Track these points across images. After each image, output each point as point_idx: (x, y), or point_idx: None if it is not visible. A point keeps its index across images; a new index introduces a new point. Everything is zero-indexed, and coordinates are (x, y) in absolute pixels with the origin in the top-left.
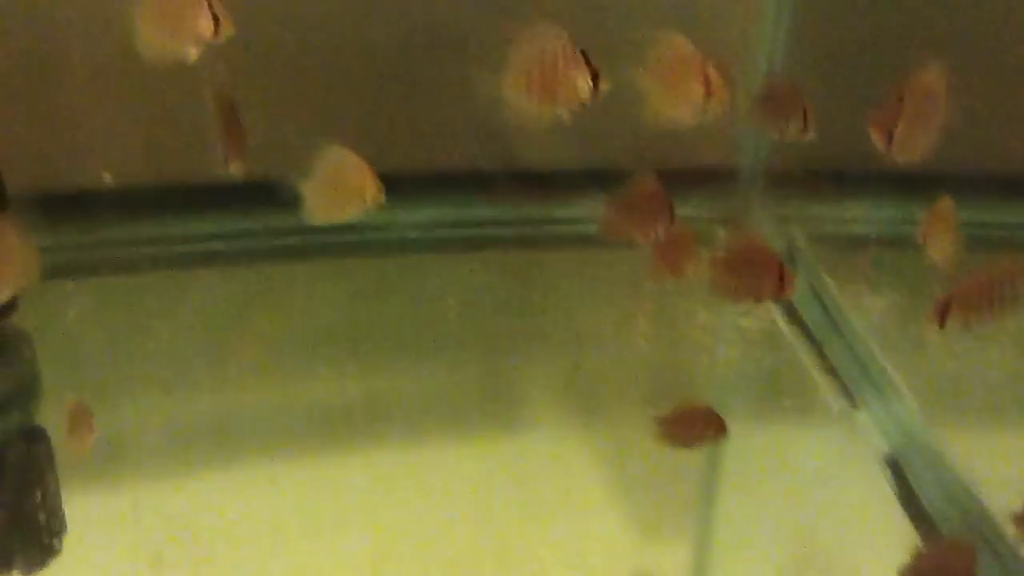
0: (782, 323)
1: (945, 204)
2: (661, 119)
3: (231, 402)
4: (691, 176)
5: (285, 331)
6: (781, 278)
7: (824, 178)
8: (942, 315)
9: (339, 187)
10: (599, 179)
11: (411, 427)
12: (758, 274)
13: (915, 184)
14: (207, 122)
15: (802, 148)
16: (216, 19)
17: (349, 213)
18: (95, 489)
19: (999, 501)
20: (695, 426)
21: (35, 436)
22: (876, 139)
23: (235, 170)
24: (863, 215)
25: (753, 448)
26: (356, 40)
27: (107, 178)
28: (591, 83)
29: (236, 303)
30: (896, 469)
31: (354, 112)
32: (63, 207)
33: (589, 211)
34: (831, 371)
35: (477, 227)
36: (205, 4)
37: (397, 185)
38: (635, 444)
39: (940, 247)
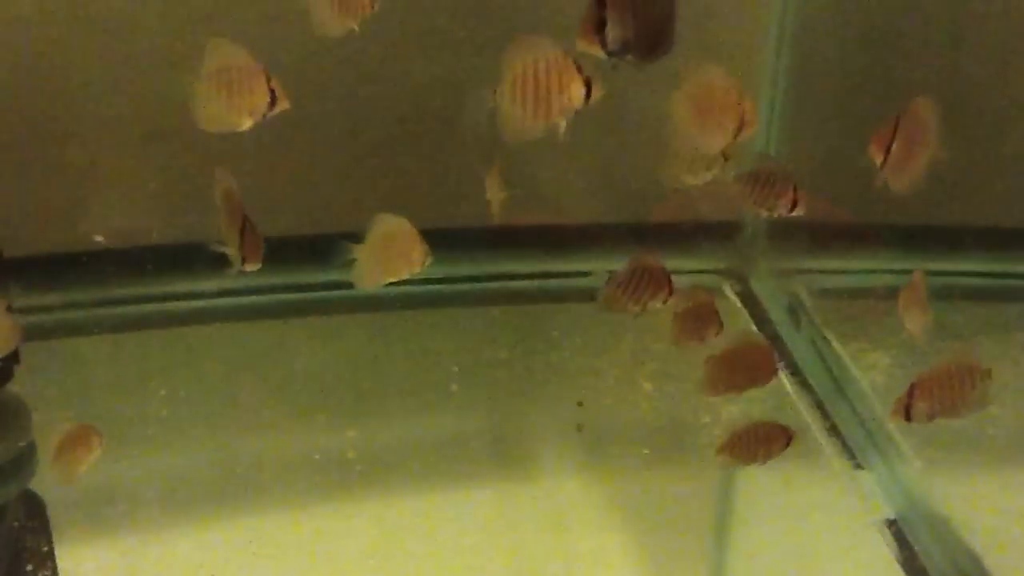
0: (786, 380)
1: (918, 280)
2: (690, 146)
3: (238, 454)
4: (698, 231)
5: (293, 384)
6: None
7: (827, 232)
8: (907, 409)
9: (389, 252)
10: (608, 234)
11: (416, 477)
12: (752, 368)
13: (917, 237)
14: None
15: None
16: (273, 93)
17: (397, 276)
18: (92, 541)
19: (1001, 565)
20: (761, 442)
21: (30, 506)
22: (874, 161)
23: (251, 267)
24: (866, 268)
25: (757, 508)
26: (365, 104)
27: (99, 239)
28: (584, 90)
29: (244, 358)
30: (899, 530)
31: (362, 172)
32: (69, 266)
33: (597, 265)
34: (834, 430)
35: (483, 281)
36: (263, 78)
37: None
38: (640, 495)
39: (915, 319)
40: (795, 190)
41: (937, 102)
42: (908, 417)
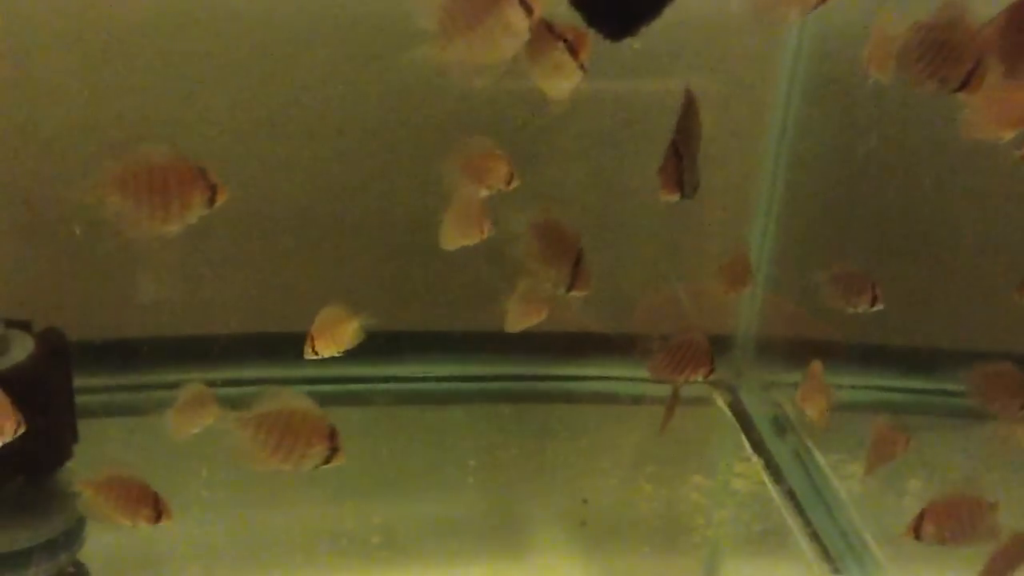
0: (770, 487)
1: (816, 369)
2: None
3: (271, 536)
4: None
5: (323, 472)
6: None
7: (809, 349)
8: (917, 529)
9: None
10: (612, 342)
11: (435, 562)
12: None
13: (894, 356)
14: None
15: (790, 321)
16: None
17: (473, 241)
18: None
19: None
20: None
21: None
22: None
23: (578, 294)
24: (845, 384)
25: None
26: (389, 212)
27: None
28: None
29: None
30: None
31: (387, 277)
32: (123, 350)
33: (601, 371)
34: (815, 536)
35: (495, 382)
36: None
37: (425, 342)
38: None
39: (815, 407)
40: (873, 288)
41: (911, 233)
42: (918, 536)
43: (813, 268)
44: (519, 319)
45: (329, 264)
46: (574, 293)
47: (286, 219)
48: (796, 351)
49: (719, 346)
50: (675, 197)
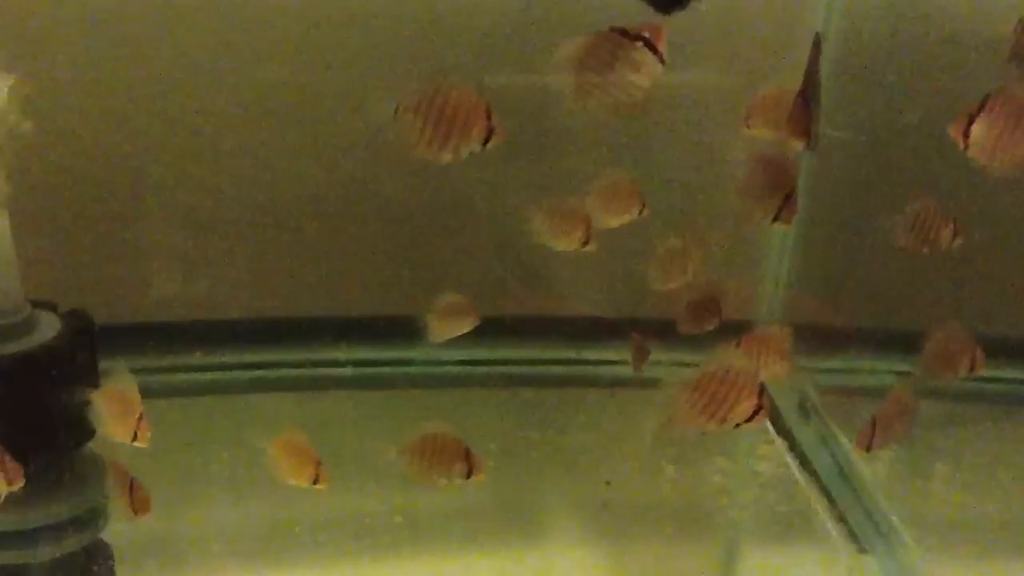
0: (795, 470)
1: (778, 332)
2: None
3: (293, 515)
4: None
5: (346, 453)
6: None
7: (833, 335)
8: (868, 441)
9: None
10: (632, 327)
11: (458, 542)
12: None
13: (914, 341)
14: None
15: (813, 305)
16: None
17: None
18: None
19: None
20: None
21: (100, 553)
22: (954, 137)
23: (783, 226)
24: (868, 369)
25: None
26: (418, 200)
27: None
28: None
29: (302, 427)
30: None
31: (413, 263)
32: (147, 334)
33: (623, 355)
34: (841, 518)
35: (515, 366)
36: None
37: None
38: (655, 569)
39: (773, 373)
40: (955, 223)
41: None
42: (869, 448)
43: (885, 214)
44: (660, 279)
45: (347, 249)
46: (777, 224)
47: (304, 203)
48: (820, 336)
49: (742, 330)
50: (802, 145)
